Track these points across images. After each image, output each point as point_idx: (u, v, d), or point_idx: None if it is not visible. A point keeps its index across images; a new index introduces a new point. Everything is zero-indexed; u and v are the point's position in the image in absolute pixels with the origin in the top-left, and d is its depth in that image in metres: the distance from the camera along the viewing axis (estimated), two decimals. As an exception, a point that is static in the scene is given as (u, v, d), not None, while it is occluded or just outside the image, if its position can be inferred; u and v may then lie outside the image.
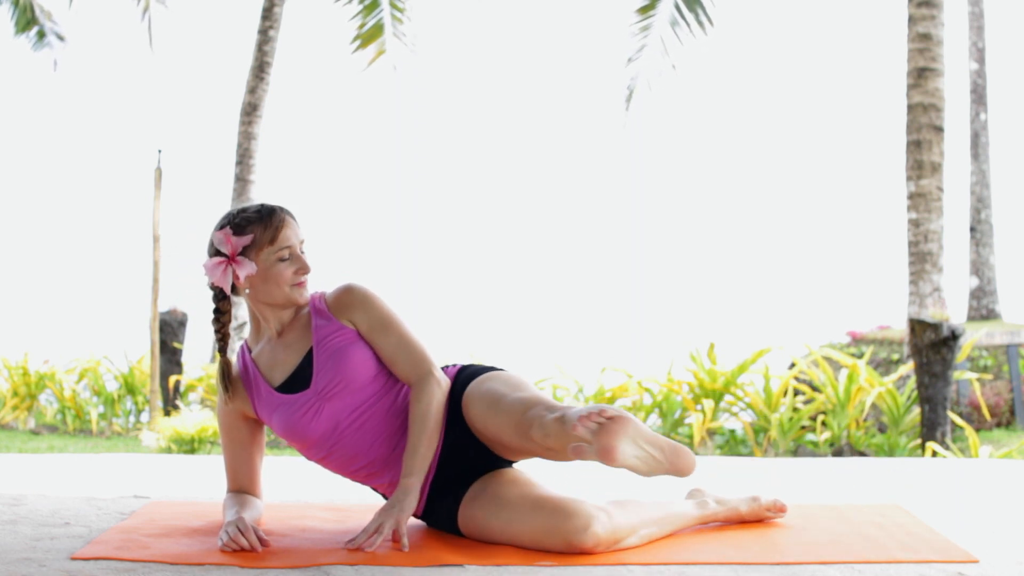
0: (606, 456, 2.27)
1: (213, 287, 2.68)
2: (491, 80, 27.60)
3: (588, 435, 2.29)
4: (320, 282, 2.80)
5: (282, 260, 2.62)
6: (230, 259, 2.61)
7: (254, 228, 2.61)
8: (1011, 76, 23.73)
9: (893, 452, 7.50)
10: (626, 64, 10.57)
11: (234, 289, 2.68)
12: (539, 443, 2.44)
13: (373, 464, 2.65)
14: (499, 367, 2.74)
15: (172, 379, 9.25)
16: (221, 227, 2.63)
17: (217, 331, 2.71)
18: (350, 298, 2.66)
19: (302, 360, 2.65)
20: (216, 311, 2.71)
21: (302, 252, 2.66)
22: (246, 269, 2.60)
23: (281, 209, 2.66)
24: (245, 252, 2.61)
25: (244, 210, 2.66)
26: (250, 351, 2.72)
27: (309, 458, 2.70)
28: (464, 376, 2.70)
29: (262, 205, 2.66)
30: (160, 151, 8.76)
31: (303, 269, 2.64)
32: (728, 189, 25.79)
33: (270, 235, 2.61)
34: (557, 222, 25.37)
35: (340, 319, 2.66)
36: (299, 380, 2.64)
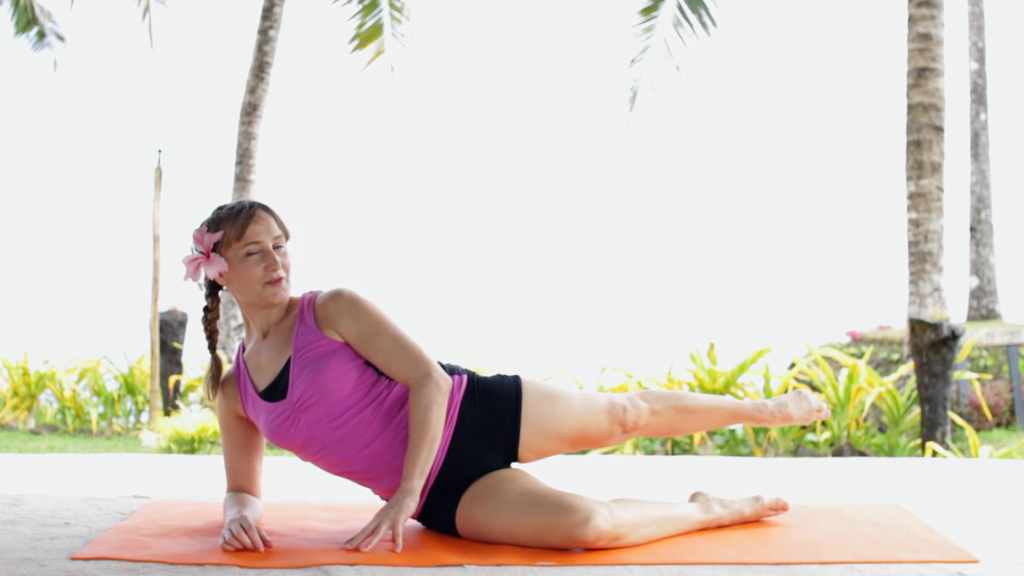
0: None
1: (203, 284, 2.69)
2: (492, 80, 27.59)
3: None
4: (317, 284, 2.78)
5: (250, 255, 2.58)
6: (205, 256, 2.60)
7: (225, 224, 2.59)
8: (1011, 76, 23.73)
9: (893, 452, 7.49)
10: (629, 65, 10.57)
11: (219, 287, 2.68)
12: (630, 425, 2.77)
13: (365, 471, 2.62)
14: (512, 375, 2.75)
15: (172, 379, 9.24)
16: (199, 225, 2.64)
17: (204, 328, 2.72)
18: (337, 306, 2.59)
19: (282, 368, 2.61)
20: (204, 308, 2.71)
21: (277, 249, 2.61)
22: (215, 266, 2.59)
23: (255, 205, 2.62)
24: (217, 248, 2.60)
25: (222, 207, 2.65)
26: (244, 350, 2.72)
27: (303, 460, 2.70)
28: (491, 384, 2.69)
29: (239, 202, 2.64)
30: (160, 151, 8.76)
31: (272, 266, 2.57)
32: (729, 189, 25.79)
33: (238, 230, 2.57)
34: (558, 222, 25.36)
35: (323, 328, 2.60)
36: (279, 388, 2.61)
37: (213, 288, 2.70)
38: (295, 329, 2.62)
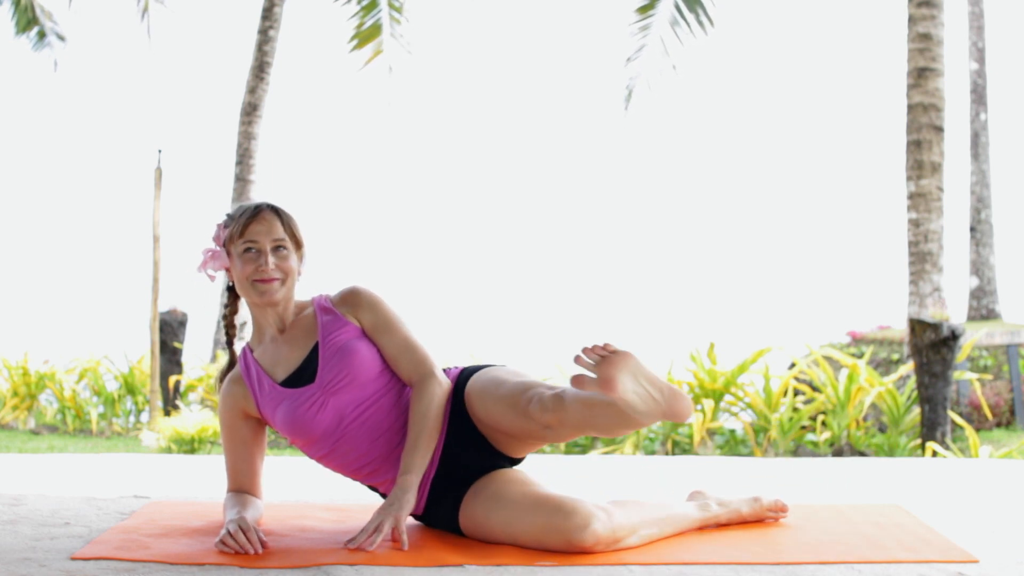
0: (607, 387, 2.24)
1: (227, 278, 2.75)
2: (490, 80, 27.60)
3: (591, 366, 2.28)
4: (321, 284, 2.81)
5: (247, 253, 2.63)
6: (218, 250, 2.68)
7: (232, 221, 2.67)
8: (1011, 76, 23.74)
9: (893, 452, 7.50)
10: (625, 64, 10.56)
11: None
12: (537, 420, 2.46)
13: (374, 462, 2.65)
14: (500, 364, 2.76)
15: (172, 379, 9.25)
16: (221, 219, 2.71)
17: (223, 323, 2.79)
18: (355, 299, 2.69)
19: (307, 355, 2.66)
20: (223, 304, 2.78)
21: (276, 252, 2.64)
22: (218, 261, 2.66)
23: (263, 206, 2.67)
24: (225, 244, 2.67)
25: (240, 205, 2.71)
26: (252, 351, 2.74)
27: (311, 456, 2.70)
28: (466, 374, 2.72)
29: (256, 201, 2.70)
30: (160, 151, 8.76)
31: (262, 267, 2.61)
32: (729, 189, 25.80)
33: (240, 227, 2.63)
34: (557, 222, 25.37)
35: (346, 316, 2.68)
36: (304, 375, 2.65)
37: (231, 283, 2.76)
38: (318, 319, 2.68)
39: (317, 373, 2.63)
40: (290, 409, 2.63)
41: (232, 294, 2.77)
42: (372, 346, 2.66)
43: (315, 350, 2.65)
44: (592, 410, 2.40)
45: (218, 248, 2.67)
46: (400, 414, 2.66)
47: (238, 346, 2.81)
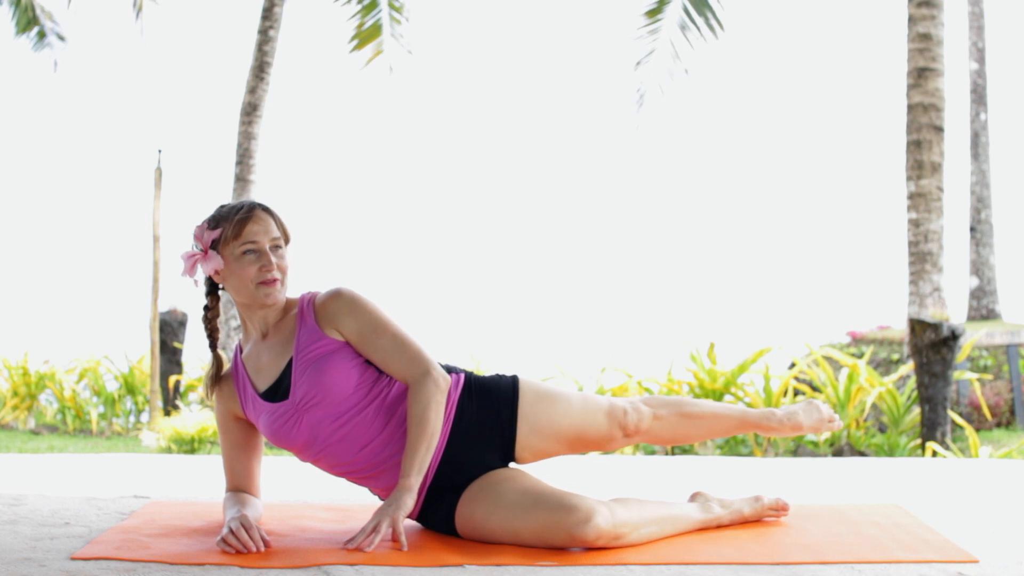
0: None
1: (203, 283, 2.70)
2: (494, 81, 27.61)
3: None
4: (316, 284, 2.78)
5: (246, 255, 2.58)
6: (203, 253, 2.61)
7: (224, 222, 2.60)
8: (1011, 76, 23.73)
9: (893, 452, 7.49)
10: (635, 67, 10.53)
11: (219, 285, 2.69)
12: (634, 428, 2.75)
13: (364, 469, 2.63)
14: (510, 374, 2.76)
15: (172, 379, 9.24)
16: (201, 222, 2.65)
17: (205, 327, 2.73)
18: (337, 305, 2.60)
19: (284, 368, 2.62)
20: (204, 307, 2.72)
21: (275, 251, 2.61)
22: (211, 264, 2.59)
23: (256, 205, 2.62)
24: (215, 246, 2.61)
25: (224, 206, 2.66)
26: (242, 351, 2.72)
27: (302, 460, 2.70)
28: (488, 383, 2.70)
29: (242, 201, 2.65)
30: (160, 151, 8.76)
31: (267, 267, 2.58)
32: (729, 189, 25.80)
33: (235, 229, 2.58)
34: (559, 223, 25.37)
35: (324, 328, 2.60)
36: (280, 389, 2.62)
37: (213, 286, 2.71)
38: (296, 330, 2.62)
39: (290, 390, 2.60)
40: (268, 423, 2.62)
41: (213, 296, 2.72)
42: (349, 360, 2.59)
43: (291, 364, 2.61)
44: (693, 421, 2.86)
45: (199, 252, 2.60)
46: (384, 425, 2.60)
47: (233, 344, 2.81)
